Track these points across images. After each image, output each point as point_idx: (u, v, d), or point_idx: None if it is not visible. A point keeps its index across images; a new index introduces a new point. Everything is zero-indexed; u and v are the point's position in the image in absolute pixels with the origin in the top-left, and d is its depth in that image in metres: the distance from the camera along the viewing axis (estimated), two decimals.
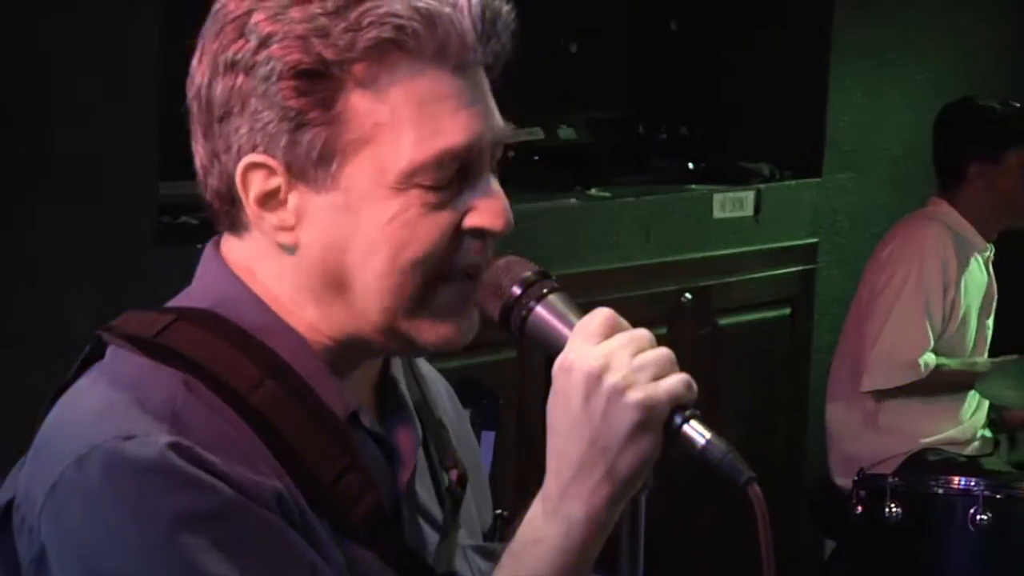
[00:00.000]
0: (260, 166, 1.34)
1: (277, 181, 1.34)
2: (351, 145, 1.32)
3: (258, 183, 1.34)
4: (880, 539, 3.98)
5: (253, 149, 1.33)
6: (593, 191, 4.43)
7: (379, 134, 1.32)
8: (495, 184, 1.38)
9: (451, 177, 1.34)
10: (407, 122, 1.33)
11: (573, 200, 4.35)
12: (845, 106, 4.98)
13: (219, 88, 1.34)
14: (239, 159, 1.34)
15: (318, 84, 1.31)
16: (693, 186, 4.66)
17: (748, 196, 4.70)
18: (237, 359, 1.34)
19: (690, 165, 4.74)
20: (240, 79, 1.32)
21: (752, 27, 4.94)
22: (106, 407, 1.30)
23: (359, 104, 1.32)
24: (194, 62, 1.37)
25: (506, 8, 1.37)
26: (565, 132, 4.61)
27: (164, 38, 3.14)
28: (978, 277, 4.36)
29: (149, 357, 1.34)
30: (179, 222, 3.33)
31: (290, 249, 1.36)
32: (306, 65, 1.31)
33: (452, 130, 1.34)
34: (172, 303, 1.42)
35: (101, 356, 1.38)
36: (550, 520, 1.34)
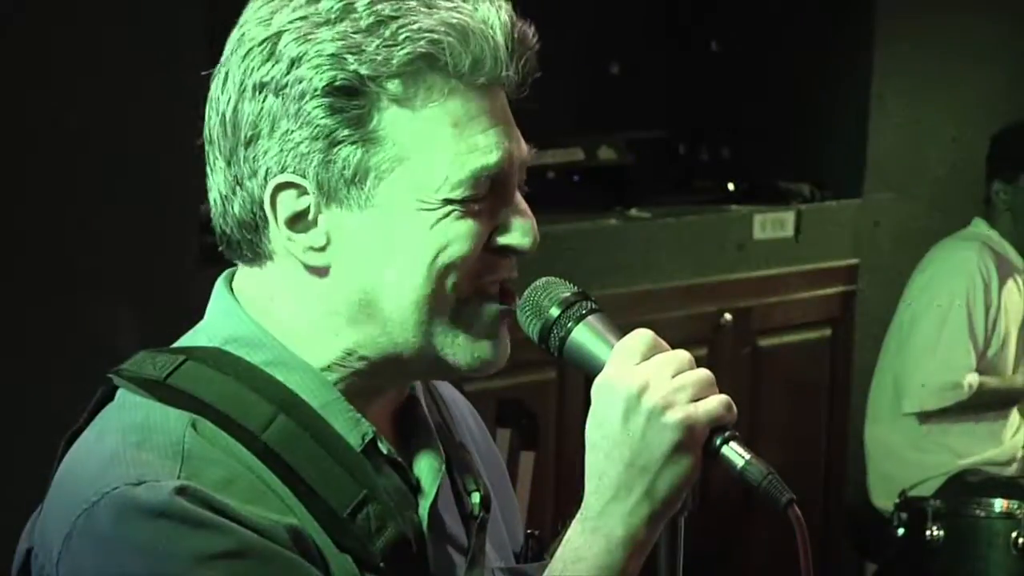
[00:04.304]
0: (290, 185, 1.33)
1: (307, 201, 1.34)
2: (386, 163, 1.32)
3: (288, 204, 1.34)
4: (921, 562, 3.96)
5: (283, 170, 1.33)
6: (633, 211, 4.43)
7: (414, 151, 1.33)
8: (523, 203, 1.38)
9: (484, 194, 1.35)
10: (443, 139, 1.33)
11: (613, 220, 4.35)
12: (886, 126, 4.96)
13: (246, 111, 1.33)
14: (266, 182, 1.34)
15: (352, 101, 1.31)
16: (733, 206, 4.65)
17: (789, 216, 4.69)
18: (248, 397, 1.34)
19: (730, 185, 4.74)
20: (269, 100, 1.32)
21: (793, 47, 4.94)
22: (115, 453, 1.31)
23: (394, 121, 1.32)
24: (215, 90, 1.37)
25: (531, 31, 1.37)
26: (605, 152, 4.62)
27: (211, 61, 3.16)
28: (1017, 297, 4.35)
29: (159, 399, 1.34)
30: None
31: (320, 271, 1.35)
32: (340, 82, 1.31)
33: (486, 147, 1.34)
34: (183, 341, 1.42)
35: (112, 399, 1.38)
36: (590, 539, 1.33)
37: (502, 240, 1.36)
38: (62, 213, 3.05)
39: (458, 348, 1.37)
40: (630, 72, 4.87)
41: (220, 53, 1.40)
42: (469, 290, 1.35)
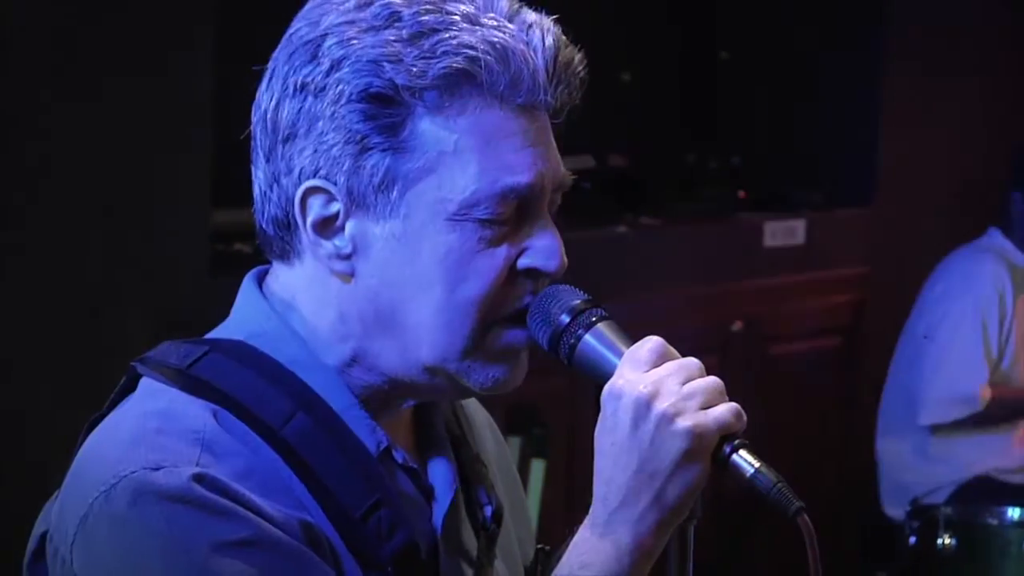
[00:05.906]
0: (320, 191, 1.34)
1: (336, 207, 1.35)
2: (414, 172, 1.33)
3: (317, 208, 1.35)
4: (933, 570, 3.95)
5: (315, 173, 1.34)
6: (643, 219, 4.43)
7: (443, 164, 1.33)
8: (551, 226, 1.38)
9: (510, 214, 1.35)
10: (472, 154, 1.33)
11: (623, 228, 4.35)
12: (897, 134, 4.96)
13: (286, 109, 1.35)
14: (299, 182, 1.35)
15: (386, 109, 1.32)
16: (744, 214, 4.65)
17: (799, 224, 4.69)
18: (269, 391, 1.35)
19: (741, 193, 4.74)
20: (309, 101, 1.34)
21: (803, 56, 4.94)
22: (135, 438, 1.31)
23: (426, 132, 1.33)
24: (262, 85, 1.38)
25: (578, 57, 1.38)
26: (616, 160, 4.62)
27: (219, 66, 3.17)
28: None
29: (181, 388, 1.35)
30: (233, 250, 3.36)
31: (344, 278, 1.36)
32: (376, 88, 1.32)
33: (517, 168, 1.34)
34: (210, 335, 1.42)
35: (135, 388, 1.39)
36: (598, 545, 1.34)
37: (527, 262, 1.36)
38: (73, 224, 3.06)
39: (473, 371, 1.37)
40: (641, 80, 4.88)
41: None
42: (491, 314, 1.36)
